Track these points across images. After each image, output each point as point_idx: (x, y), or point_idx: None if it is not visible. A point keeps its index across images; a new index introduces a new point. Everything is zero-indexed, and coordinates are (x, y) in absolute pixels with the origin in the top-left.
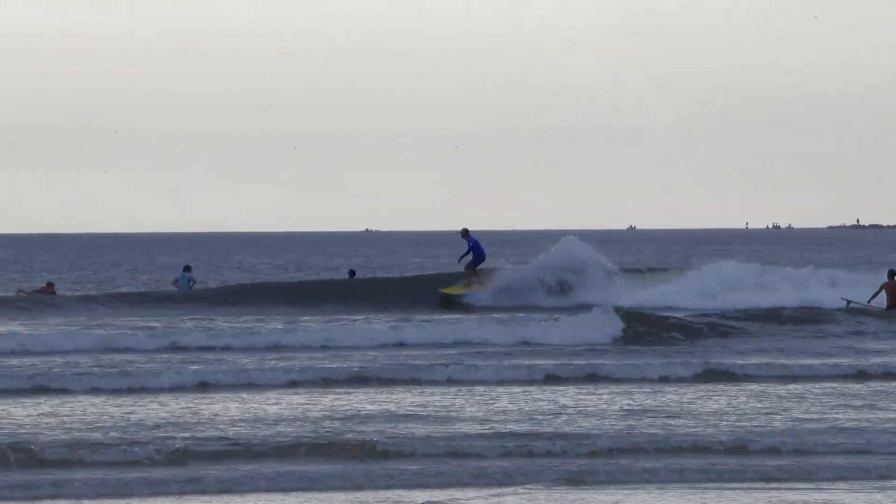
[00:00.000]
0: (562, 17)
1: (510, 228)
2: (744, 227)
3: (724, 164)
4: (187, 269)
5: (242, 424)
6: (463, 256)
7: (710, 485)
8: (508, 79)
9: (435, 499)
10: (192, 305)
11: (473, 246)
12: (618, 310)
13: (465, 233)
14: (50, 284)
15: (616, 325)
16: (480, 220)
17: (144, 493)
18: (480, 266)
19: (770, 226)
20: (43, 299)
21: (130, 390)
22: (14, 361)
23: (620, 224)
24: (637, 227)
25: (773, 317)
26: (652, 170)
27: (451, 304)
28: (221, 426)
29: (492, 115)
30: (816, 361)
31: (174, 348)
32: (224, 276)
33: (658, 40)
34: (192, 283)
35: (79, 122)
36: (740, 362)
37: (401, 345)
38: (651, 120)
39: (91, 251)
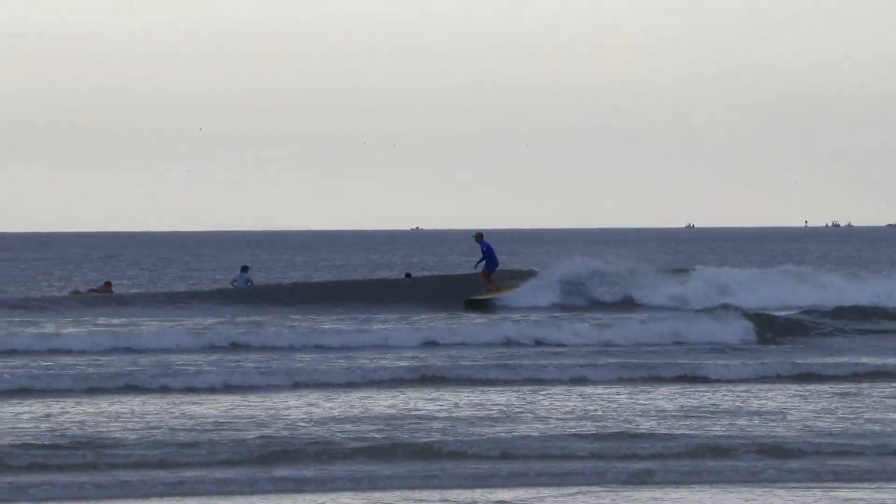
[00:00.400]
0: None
1: (573, 227)
2: (803, 225)
3: (782, 162)
4: (245, 269)
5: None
6: (479, 262)
7: None
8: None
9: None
10: (265, 305)
11: (486, 251)
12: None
13: (478, 237)
14: (107, 284)
15: (747, 326)
16: (537, 220)
17: (245, 491)
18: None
19: (829, 224)
20: (99, 298)
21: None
22: (144, 361)
23: (678, 223)
24: (695, 226)
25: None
26: (709, 168)
27: (481, 307)
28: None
29: (532, 114)
30: None
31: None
32: (278, 274)
33: (709, 37)
34: (249, 283)
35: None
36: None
37: (509, 342)
38: (708, 118)
39: (134, 250)
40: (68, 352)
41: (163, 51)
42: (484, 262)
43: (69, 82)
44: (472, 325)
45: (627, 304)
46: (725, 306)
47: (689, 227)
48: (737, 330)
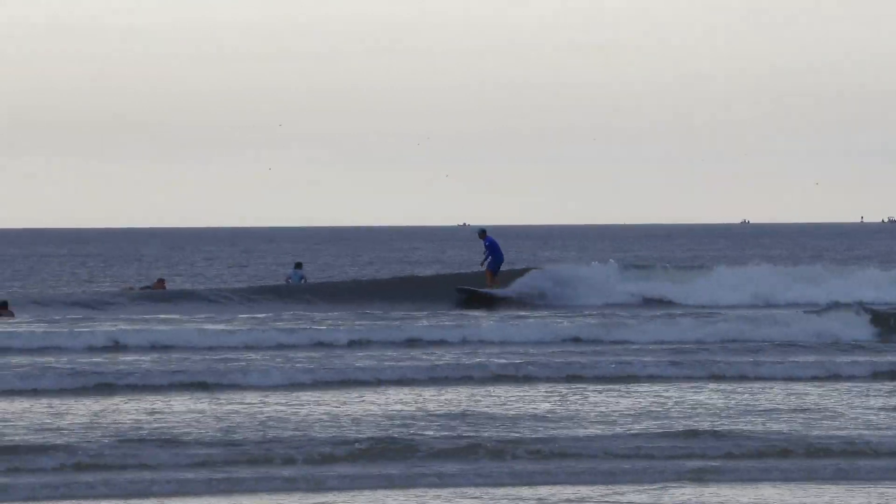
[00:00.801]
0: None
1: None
2: (858, 220)
3: (839, 158)
4: (299, 265)
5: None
6: (485, 259)
7: None
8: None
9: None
10: (323, 302)
11: (490, 246)
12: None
13: (481, 234)
14: (161, 281)
15: (866, 322)
16: (578, 215)
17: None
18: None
19: (885, 220)
20: (157, 294)
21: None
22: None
23: (733, 218)
24: (750, 222)
25: None
26: (763, 164)
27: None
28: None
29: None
30: None
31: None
32: (334, 271)
33: (780, 34)
34: (303, 279)
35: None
36: None
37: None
38: (761, 114)
39: (186, 245)
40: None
41: (245, 47)
42: (489, 258)
43: (131, 79)
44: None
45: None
46: (840, 304)
47: (744, 223)
48: (860, 327)
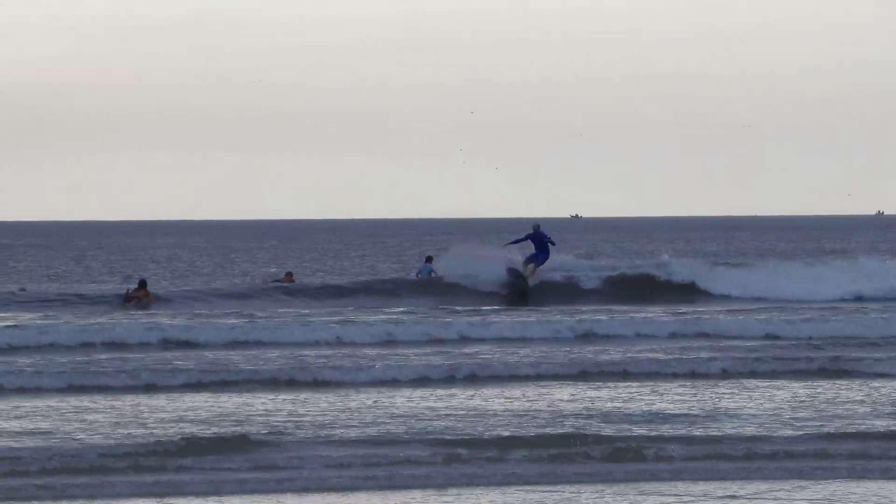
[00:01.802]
0: None
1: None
2: (875, 213)
3: (853, 150)
4: (429, 259)
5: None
6: (531, 254)
7: None
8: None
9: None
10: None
11: (537, 241)
12: None
13: (536, 228)
14: (289, 274)
15: None
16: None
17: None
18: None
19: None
20: (285, 287)
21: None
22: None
23: (743, 211)
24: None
25: None
26: (774, 156)
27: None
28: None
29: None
30: None
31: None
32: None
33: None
34: (432, 273)
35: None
36: None
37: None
38: (772, 107)
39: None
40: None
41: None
42: (535, 253)
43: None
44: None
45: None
46: None
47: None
48: None
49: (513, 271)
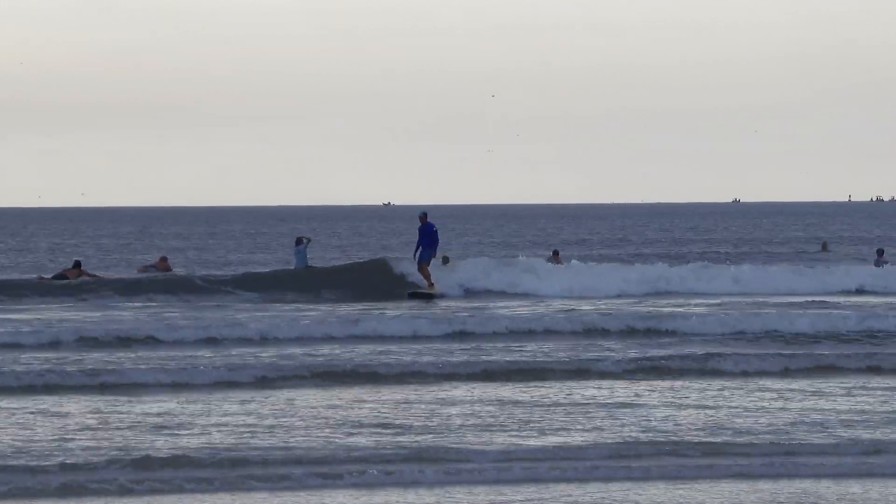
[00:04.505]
0: None
1: None
2: (846, 199)
3: (826, 136)
4: (299, 241)
5: None
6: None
7: None
8: None
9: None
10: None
11: (424, 233)
12: None
13: (422, 217)
14: (163, 259)
15: None
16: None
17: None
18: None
19: (874, 199)
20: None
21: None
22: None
23: (724, 197)
24: (741, 201)
25: None
26: (756, 143)
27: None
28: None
29: None
30: None
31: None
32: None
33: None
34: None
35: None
36: None
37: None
38: (760, 95)
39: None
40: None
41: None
42: (424, 250)
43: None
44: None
45: None
46: None
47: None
48: None
49: (415, 296)
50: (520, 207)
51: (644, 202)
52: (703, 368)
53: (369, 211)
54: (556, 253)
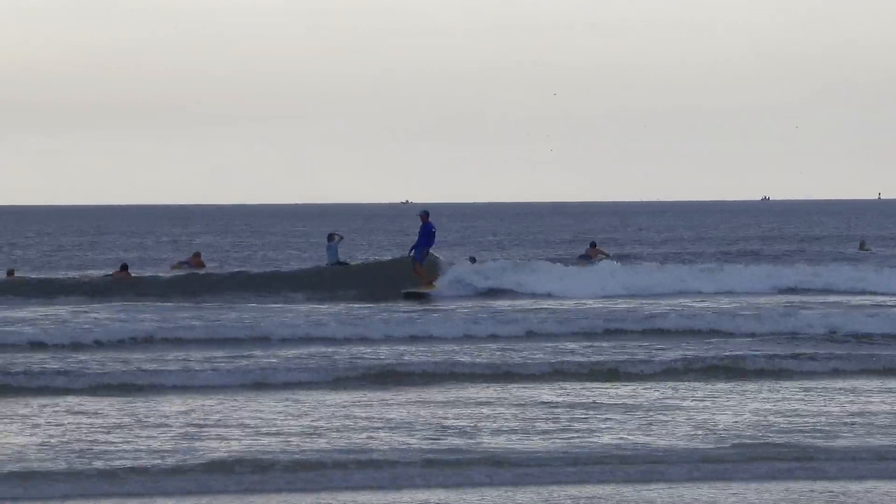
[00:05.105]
0: None
1: None
2: (875, 197)
3: (856, 134)
4: (331, 238)
5: None
6: (412, 247)
7: None
8: None
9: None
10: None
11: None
12: None
13: (424, 215)
14: (196, 255)
15: None
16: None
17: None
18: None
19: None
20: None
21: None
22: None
23: (753, 195)
24: (771, 198)
25: None
26: (784, 141)
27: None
28: None
29: None
30: None
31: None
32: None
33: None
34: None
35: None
36: None
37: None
38: (760, 95)
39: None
40: None
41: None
42: (418, 249)
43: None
44: None
45: None
46: None
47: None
48: None
49: (410, 295)
50: (520, 206)
51: (643, 201)
52: None
53: (370, 210)
54: (593, 245)
